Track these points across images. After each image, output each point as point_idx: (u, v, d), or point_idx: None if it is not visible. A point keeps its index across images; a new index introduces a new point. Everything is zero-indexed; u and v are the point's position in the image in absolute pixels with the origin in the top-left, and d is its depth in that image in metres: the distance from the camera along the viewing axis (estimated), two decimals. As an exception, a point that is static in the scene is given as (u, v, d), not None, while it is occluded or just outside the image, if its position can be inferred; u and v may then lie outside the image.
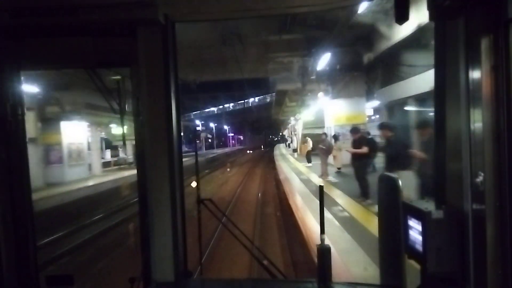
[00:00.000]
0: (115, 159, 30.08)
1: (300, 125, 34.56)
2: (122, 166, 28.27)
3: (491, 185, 1.35)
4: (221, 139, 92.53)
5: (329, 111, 20.06)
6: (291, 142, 50.00)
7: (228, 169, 29.64)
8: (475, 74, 1.39)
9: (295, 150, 31.35)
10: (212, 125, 69.26)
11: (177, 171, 2.04)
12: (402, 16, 1.61)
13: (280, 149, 53.34)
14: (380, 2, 9.11)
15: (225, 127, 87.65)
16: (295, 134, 37.58)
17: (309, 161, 21.48)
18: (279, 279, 2.32)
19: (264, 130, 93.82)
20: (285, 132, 69.32)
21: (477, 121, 1.39)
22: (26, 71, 2.12)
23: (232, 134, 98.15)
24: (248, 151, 63.44)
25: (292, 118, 36.89)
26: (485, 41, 1.35)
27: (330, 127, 20.44)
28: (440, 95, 1.62)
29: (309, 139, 21.55)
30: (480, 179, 1.38)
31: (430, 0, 1.55)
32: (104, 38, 1.98)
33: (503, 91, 1.31)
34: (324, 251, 1.88)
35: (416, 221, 1.57)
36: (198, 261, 2.50)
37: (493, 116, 1.34)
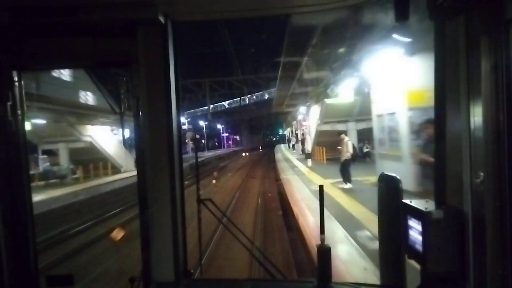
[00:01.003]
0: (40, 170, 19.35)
1: (314, 117, 23.21)
2: (51, 181, 20.67)
3: (491, 185, 1.40)
4: (214, 139, 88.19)
5: (397, 80, 10.69)
6: (297, 142, 39.22)
7: (214, 181, 22.23)
8: (475, 74, 1.44)
9: (308, 156, 20.50)
10: (202, 123, 59.69)
11: (177, 171, 2.11)
12: (402, 16, 1.64)
13: (282, 152, 44.09)
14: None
15: (218, 126, 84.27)
16: (307, 133, 26.57)
17: (346, 178, 12.43)
18: (279, 279, 2.38)
19: (262, 130, 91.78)
20: (286, 132, 64.14)
21: (477, 121, 1.44)
22: (26, 71, 2.19)
23: (227, 134, 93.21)
24: (243, 154, 58.59)
25: (302, 109, 25.90)
26: (485, 41, 1.40)
27: (391, 115, 8.80)
28: (440, 95, 1.68)
29: (346, 139, 12.83)
30: (480, 179, 1.42)
31: (430, 0, 1.60)
32: (104, 38, 2.05)
33: (503, 91, 1.36)
34: (324, 251, 1.93)
35: (416, 221, 1.61)
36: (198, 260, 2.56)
37: (493, 116, 1.39)
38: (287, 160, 29.38)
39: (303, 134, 31.30)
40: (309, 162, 21.44)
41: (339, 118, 22.30)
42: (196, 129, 64.92)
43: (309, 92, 21.84)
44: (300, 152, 33.56)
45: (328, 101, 19.66)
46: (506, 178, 1.35)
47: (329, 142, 23.82)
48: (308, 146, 22.46)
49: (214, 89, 48.45)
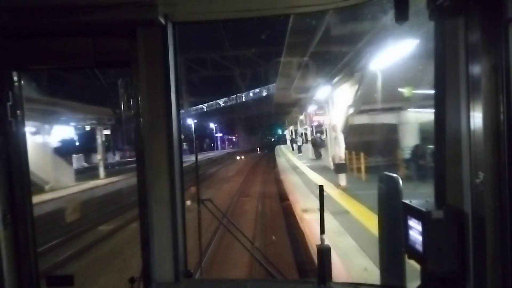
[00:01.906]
0: None
1: (341, 105, 12.98)
2: None
3: (491, 185, 1.45)
4: (206, 140, 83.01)
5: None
6: (304, 141, 30.45)
7: (189, 202, 9.60)
8: (475, 74, 1.50)
9: (340, 167, 10.72)
10: (190, 122, 52.94)
11: (177, 171, 2.19)
12: (402, 16, 1.68)
13: (285, 155, 37.01)
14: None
15: (211, 125, 79.19)
16: (320, 130, 17.25)
17: None
18: (279, 279, 2.42)
19: (260, 129, 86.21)
20: (287, 132, 57.83)
21: (477, 121, 1.50)
22: (26, 71, 2.30)
23: (221, 134, 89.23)
24: (238, 157, 50.97)
25: (319, 93, 16.45)
26: (485, 41, 1.45)
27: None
28: (440, 95, 1.73)
29: None
30: (480, 179, 1.48)
31: (430, 0, 1.65)
32: (104, 38, 2.13)
33: (503, 91, 1.41)
34: (324, 251, 2.00)
35: (416, 221, 1.67)
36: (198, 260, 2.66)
37: (493, 116, 1.45)
38: (295, 169, 20.51)
39: (323, 131, 21.98)
40: (342, 178, 12.03)
41: (389, 103, 12.92)
42: (184, 128, 57.08)
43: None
44: (311, 156, 24.49)
45: (375, 67, 10.39)
46: (506, 178, 1.39)
47: (364, 143, 14.47)
48: (340, 151, 12.86)
49: (192, 69, 37.83)
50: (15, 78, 2.14)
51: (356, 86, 14.01)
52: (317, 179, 15.07)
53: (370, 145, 15.33)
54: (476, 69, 1.45)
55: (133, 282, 2.12)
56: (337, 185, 12.51)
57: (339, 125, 14.90)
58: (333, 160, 12.66)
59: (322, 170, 17.87)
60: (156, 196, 2.13)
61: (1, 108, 2.06)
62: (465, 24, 1.50)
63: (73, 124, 21.56)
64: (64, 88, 24.95)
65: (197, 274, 2.49)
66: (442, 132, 1.68)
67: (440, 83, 1.70)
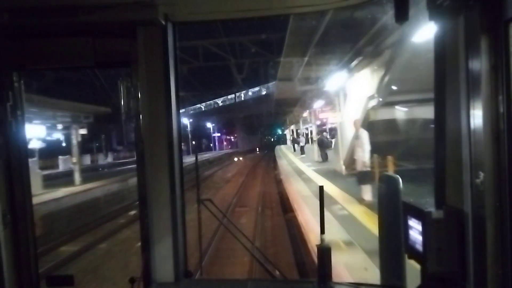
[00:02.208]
0: None
1: (357, 96, 9.54)
2: None
3: (491, 185, 1.46)
4: (203, 140, 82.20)
5: None
6: (308, 143, 27.91)
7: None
8: (475, 74, 1.51)
9: (365, 177, 7.63)
10: (186, 121, 50.61)
11: (177, 171, 2.21)
12: (402, 16, 1.69)
13: (286, 156, 33.67)
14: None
15: (209, 125, 77.11)
16: (324, 129, 14.38)
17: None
18: (279, 279, 2.47)
19: (260, 129, 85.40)
20: (287, 131, 57.38)
21: (477, 121, 1.51)
22: (26, 71, 2.31)
23: (219, 134, 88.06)
24: (236, 158, 49.37)
25: (333, 81, 13.45)
26: (485, 41, 1.46)
27: None
28: (440, 95, 1.75)
29: None
30: (480, 179, 1.48)
31: (430, 0, 1.67)
32: (104, 38, 2.15)
33: (503, 91, 1.42)
34: (324, 251, 2.02)
35: (416, 221, 1.69)
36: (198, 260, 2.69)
37: (493, 116, 1.46)
38: (300, 174, 17.70)
39: (327, 130, 19.04)
40: (367, 191, 9.05)
41: (429, 92, 9.75)
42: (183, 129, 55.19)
43: None
44: (317, 158, 22.34)
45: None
46: (506, 178, 1.39)
47: (390, 144, 11.53)
48: (364, 154, 9.94)
49: (180, 60, 34.85)
50: (15, 78, 2.16)
51: (382, 71, 11.02)
52: (331, 189, 12.14)
53: (399, 146, 12.43)
54: (476, 69, 1.46)
55: (133, 282, 2.11)
56: (360, 200, 9.57)
57: (348, 124, 11.84)
58: (345, 163, 9.99)
59: (332, 175, 15.66)
60: (156, 196, 2.14)
61: (1, 108, 2.08)
62: (465, 24, 1.51)
63: (37, 122, 18.59)
64: (35, 82, 22.33)
65: (197, 274, 2.49)
66: (442, 131, 1.70)
67: (440, 83, 1.71)
